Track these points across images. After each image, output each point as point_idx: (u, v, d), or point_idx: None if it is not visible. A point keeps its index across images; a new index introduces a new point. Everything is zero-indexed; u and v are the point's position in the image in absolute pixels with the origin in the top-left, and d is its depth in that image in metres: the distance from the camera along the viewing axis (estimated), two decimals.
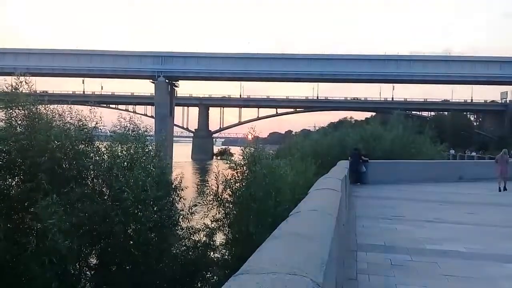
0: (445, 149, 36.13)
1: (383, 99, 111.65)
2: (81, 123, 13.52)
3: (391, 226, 10.46)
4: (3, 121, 12.30)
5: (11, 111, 12.37)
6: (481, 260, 7.53)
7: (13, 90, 12.42)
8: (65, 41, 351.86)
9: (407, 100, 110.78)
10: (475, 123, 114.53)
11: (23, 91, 12.57)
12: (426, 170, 23.01)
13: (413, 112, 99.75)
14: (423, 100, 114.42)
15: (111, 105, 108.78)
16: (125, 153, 13.36)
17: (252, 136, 18.75)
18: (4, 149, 11.60)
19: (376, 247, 8.30)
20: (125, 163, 12.99)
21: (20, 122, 12.26)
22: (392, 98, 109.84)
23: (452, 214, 12.71)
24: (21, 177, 12.13)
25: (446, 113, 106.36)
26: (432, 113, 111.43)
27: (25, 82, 12.68)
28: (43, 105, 13.30)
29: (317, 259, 2.33)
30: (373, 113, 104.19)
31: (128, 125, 14.68)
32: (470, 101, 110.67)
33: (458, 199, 16.13)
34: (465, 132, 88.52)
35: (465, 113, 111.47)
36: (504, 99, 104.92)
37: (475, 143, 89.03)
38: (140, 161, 13.29)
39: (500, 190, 18.41)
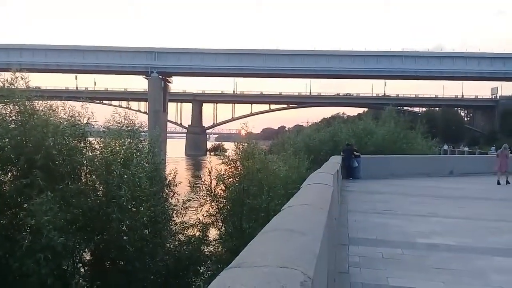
0: (436, 144, 36.34)
1: (375, 95, 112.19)
2: (74, 119, 13.45)
3: (383, 220, 10.57)
4: None
5: (5, 106, 12.29)
6: (471, 253, 7.64)
7: (9, 86, 12.32)
8: (58, 37, 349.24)
9: (399, 96, 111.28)
10: (465, 119, 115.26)
11: (18, 87, 12.48)
12: (418, 165, 23.20)
13: (404, 108, 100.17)
14: (414, 96, 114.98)
15: (104, 101, 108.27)
16: (118, 148, 13.32)
17: (246, 132, 18.70)
18: None
19: (368, 241, 8.40)
20: (119, 159, 12.95)
21: (14, 118, 12.18)
22: (384, 94, 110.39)
23: (443, 208, 12.84)
24: (14, 173, 12.07)
25: (437, 108, 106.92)
26: (424, 109, 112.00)
27: (21, 77, 12.59)
28: (39, 101, 13.21)
29: (309, 253, 2.37)
30: (365, 109, 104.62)
31: (123, 120, 14.63)
32: (461, 96, 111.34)
33: (449, 194, 16.29)
34: (455, 128, 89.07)
35: (456, 108, 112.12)
36: (495, 95, 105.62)
37: (466, 138, 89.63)
38: (134, 156, 13.26)
39: (499, 184, 18.85)
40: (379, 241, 8.41)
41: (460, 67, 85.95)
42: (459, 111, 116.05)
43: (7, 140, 11.63)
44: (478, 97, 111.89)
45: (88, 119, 13.82)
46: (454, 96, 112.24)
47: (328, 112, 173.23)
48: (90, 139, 13.97)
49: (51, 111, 13.08)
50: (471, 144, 78.53)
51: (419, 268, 6.63)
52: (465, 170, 24.05)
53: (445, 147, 63.37)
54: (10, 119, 12.24)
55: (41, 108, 12.89)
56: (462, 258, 7.26)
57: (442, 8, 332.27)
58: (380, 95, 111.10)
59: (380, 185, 18.09)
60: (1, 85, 12.54)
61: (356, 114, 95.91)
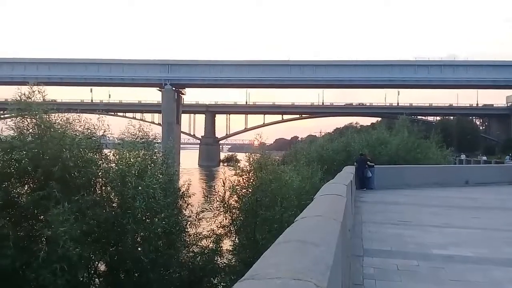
0: (451, 153, 35.86)
1: (388, 105, 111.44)
2: (90, 131, 13.65)
3: (397, 231, 10.46)
4: (14, 130, 12.45)
5: (23, 119, 12.53)
6: (487, 264, 7.52)
7: (26, 99, 12.57)
8: (74, 51, 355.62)
9: (412, 105, 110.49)
10: (480, 127, 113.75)
11: (35, 100, 12.72)
12: (432, 175, 22.91)
13: (418, 117, 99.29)
14: (428, 105, 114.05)
15: (118, 113, 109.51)
16: (133, 160, 13.46)
17: (258, 143, 18.72)
18: (15, 158, 11.77)
19: (383, 252, 8.31)
20: (134, 171, 13.07)
21: (31, 131, 12.41)
22: (397, 103, 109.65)
23: (458, 219, 12.68)
24: (31, 185, 12.26)
25: (451, 117, 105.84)
26: (438, 118, 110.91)
27: (38, 91, 12.84)
28: (55, 114, 13.45)
29: (322, 264, 2.38)
30: (379, 119, 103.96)
31: (137, 132, 14.80)
32: (475, 105, 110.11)
33: (464, 204, 16.08)
34: (471, 137, 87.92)
35: (470, 117, 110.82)
36: (510, 103, 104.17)
37: (481, 147, 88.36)
38: (148, 168, 13.39)
39: None
40: (394, 252, 8.33)
41: (474, 75, 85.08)
42: (474, 119, 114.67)
43: (24, 152, 11.85)
44: (494, 105, 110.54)
45: (104, 131, 14.03)
46: (468, 105, 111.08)
47: (341, 121, 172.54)
48: (106, 151, 14.15)
49: (67, 123, 13.29)
50: (487, 153, 77.31)
51: (435, 280, 6.55)
52: (481, 179, 23.69)
53: (463, 156, 62.38)
54: (28, 132, 12.46)
55: (57, 121, 13.11)
56: (478, 270, 7.16)
57: (453, 17, 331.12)
58: (393, 104, 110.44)
59: (394, 196, 17.92)
60: (19, 98, 12.81)
61: (369, 124, 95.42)
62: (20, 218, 11.85)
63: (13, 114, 13.02)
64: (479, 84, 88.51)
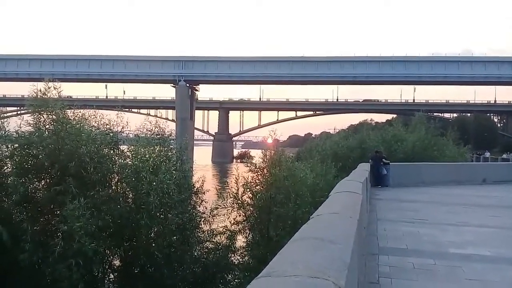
0: (469, 151, 35.29)
1: (404, 101, 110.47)
2: (107, 127, 13.78)
3: (413, 229, 10.32)
4: (31, 126, 12.61)
5: (39, 116, 12.69)
6: (505, 264, 7.41)
7: (42, 96, 12.73)
8: (88, 48, 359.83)
9: (429, 101, 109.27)
10: (499, 125, 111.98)
11: (51, 97, 12.87)
12: (449, 173, 22.60)
13: (435, 113, 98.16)
14: (445, 101, 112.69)
15: (133, 109, 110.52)
16: (147, 156, 13.54)
17: (272, 139, 18.65)
18: (32, 153, 11.91)
19: (399, 250, 8.21)
20: (149, 167, 13.15)
21: (48, 126, 12.56)
22: (414, 99, 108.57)
23: (476, 217, 12.48)
24: (48, 180, 12.41)
25: (468, 114, 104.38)
26: (455, 115, 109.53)
27: (54, 87, 12.98)
28: (72, 110, 13.59)
29: (339, 262, 2.35)
30: (394, 115, 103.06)
31: (153, 128, 14.88)
32: (493, 102, 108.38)
33: (482, 202, 15.82)
34: (488, 134, 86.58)
35: (488, 114, 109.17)
36: None
37: (499, 145, 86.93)
38: (163, 164, 13.45)
39: None
40: (409, 250, 8.22)
41: (492, 71, 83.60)
42: (492, 116, 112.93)
43: (41, 148, 12.00)
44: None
45: (123, 127, 14.17)
46: (486, 102, 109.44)
47: (355, 118, 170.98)
48: (122, 147, 14.27)
49: (83, 119, 13.42)
50: (505, 151, 75.93)
51: (452, 279, 6.45)
52: (498, 177, 23.32)
53: (487, 154, 60.87)
54: (45, 128, 12.61)
55: (73, 117, 13.25)
56: (496, 269, 7.04)
57: (468, 13, 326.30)
58: (409, 101, 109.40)
59: (410, 193, 17.72)
60: (35, 95, 12.97)
61: (384, 121, 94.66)
62: (37, 213, 12.02)
63: (30, 110, 13.19)
64: (497, 80, 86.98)
